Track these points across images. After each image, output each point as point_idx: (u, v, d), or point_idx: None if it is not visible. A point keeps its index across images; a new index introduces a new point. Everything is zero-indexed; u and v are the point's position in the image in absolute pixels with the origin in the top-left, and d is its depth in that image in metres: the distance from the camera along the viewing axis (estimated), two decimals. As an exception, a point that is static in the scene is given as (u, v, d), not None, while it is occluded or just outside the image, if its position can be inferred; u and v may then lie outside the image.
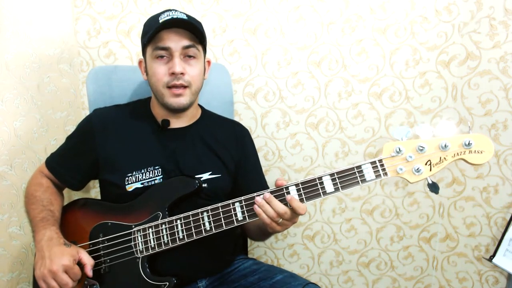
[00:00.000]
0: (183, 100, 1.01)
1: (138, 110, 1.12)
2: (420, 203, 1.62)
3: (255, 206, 0.87)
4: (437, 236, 1.64)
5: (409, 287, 1.72)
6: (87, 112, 1.34)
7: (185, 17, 1.00)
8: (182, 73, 0.99)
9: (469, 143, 0.81)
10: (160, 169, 1.03)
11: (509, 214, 1.40)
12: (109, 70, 1.31)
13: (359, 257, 1.70)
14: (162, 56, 1.00)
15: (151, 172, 1.02)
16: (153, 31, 0.96)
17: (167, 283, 0.93)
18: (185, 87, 1.01)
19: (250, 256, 1.32)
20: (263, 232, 1.07)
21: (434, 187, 0.83)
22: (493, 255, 1.36)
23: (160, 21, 0.97)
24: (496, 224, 1.47)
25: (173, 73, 0.98)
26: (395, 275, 1.71)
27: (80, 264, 0.93)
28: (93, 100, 1.28)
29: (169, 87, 1.00)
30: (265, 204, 0.86)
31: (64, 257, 0.89)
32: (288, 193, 0.88)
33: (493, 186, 1.46)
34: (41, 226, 0.97)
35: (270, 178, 1.60)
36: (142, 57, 1.08)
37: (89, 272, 0.92)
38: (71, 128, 1.43)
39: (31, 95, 1.27)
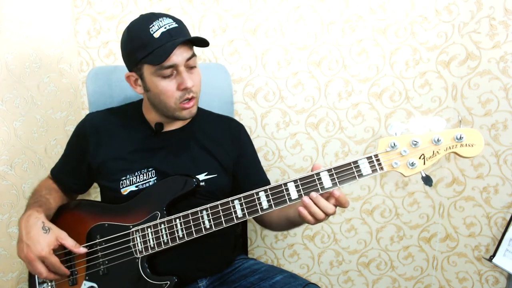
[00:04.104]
0: (193, 110, 1.02)
1: (130, 113, 1.11)
2: (420, 203, 1.62)
3: (301, 209, 0.86)
4: (437, 236, 1.64)
5: (409, 287, 1.72)
6: (87, 112, 1.34)
7: (181, 28, 0.97)
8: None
9: (460, 137, 0.83)
10: (153, 171, 1.03)
11: (509, 214, 1.40)
12: (109, 70, 1.31)
13: (359, 257, 1.70)
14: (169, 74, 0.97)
15: (145, 174, 1.02)
16: (166, 55, 0.91)
17: (168, 283, 0.93)
18: (194, 97, 1.01)
19: (250, 256, 1.32)
20: (294, 223, 1.04)
21: (427, 180, 0.85)
22: (493, 255, 1.36)
23: (157, 36, 0.92)
24: (496, 224, 1.47)
25: (185, 88, 0.96)
26: (395, 275, 1.71)
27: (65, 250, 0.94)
28: (93, 100, 1.28)
29: (181, 102, 0.98)
30: (312, 206, 0.85)
31: (39, 246, 0.89)
32: (287, 189, 0.88)
33: (493, 186, 1.46)
34: (28, 209, 0.98)
35: (270, 178, 1.60)
36: (128, 71, 1.02)
37: (80, 249, 0.94)
38: (71, 128, 1.43)
39: (31, 95, 1.27)
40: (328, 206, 0.86)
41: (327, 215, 0.87)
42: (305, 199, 0.86)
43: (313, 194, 0.86)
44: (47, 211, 1.00)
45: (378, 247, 1.68)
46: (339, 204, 0.87)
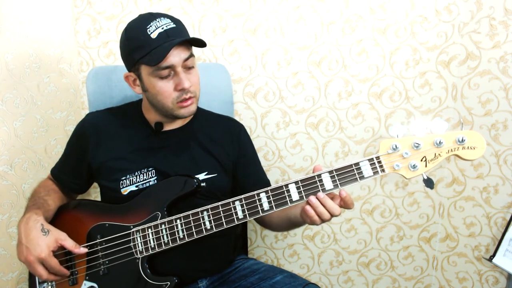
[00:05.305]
0: (192, 108, 1.01)
1: (130, 113, 1.11)
2: (420, 203, 1.62)
3: (308, 208, 0.87)
4: (437, 236, 1.65)
5: (409, 287, 1.72)
6: (87, 112, 1.34)
7: (179, 28, 0.97)
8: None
9: (462, 140, 0.83)
10: (153, 171, 1.02)
11: (509, 214, 1.40)
12: (109, 70, 1.31)
13: (359, 257, 1.70)
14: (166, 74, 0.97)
15: (145, 174, 1.02)
16: (162, 56, 0.91)
17: (168, 283, 0.93)
18: (192, 97, 1.00)
19: (250, 256, 1.32)
20: (295, 224, 1.04)
21: (429, 183, 0.85)
22: (493, 255, 1.36)
23: (154, 36, 0.92)
24: (496, 224, 1.47)
25: (182, 89, 0.96)
26: (395, 275, 1.72)
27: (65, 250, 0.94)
28: (93, 100, 1.28)
29: (179, 101, 0.98)
30: (319, 206, 0.86)
31: (39, 248, 0.89)
32: (288, 190, 0.88)
33: (493, 186, 1.46)
34: (27, 211, 0.98)
35: (270, 178, 1.60)
36: (127, 71, 1.03)
37: (80, 250, 0.94)
38: (71, 128, 1.43)
39: (31, 95, 1.27)
40: (334, 206, 0.86)
41: (332, 215, 0.87)
42: (312, 198, 0.86)
43: (320, 194, 0.86)
44: (46, 213, 0.99)
45: (378, 247, 1.68)
46: (345, 204, 0.88)
